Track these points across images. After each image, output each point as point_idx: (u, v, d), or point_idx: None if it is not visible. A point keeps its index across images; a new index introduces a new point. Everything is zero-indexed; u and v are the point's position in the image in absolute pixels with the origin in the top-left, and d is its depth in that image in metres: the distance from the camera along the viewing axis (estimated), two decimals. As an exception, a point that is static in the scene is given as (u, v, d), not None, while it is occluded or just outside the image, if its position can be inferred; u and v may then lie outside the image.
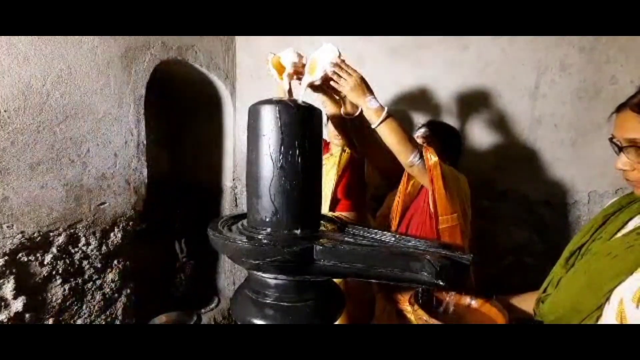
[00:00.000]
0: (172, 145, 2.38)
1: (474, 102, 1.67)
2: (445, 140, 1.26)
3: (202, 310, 2.10)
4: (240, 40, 2.10)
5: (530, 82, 1.58)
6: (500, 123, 1.65)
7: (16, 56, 1.19)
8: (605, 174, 1.52)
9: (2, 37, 1.15)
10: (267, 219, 0.76)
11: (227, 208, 2.26)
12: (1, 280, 1.23)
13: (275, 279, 0.78)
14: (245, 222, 0.85)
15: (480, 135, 1.68)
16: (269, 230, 0.76)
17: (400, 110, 1.79)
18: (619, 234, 0.65)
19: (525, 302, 0.83)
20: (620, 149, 0.62)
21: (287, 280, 0.77)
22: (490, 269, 1.56)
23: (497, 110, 1.65)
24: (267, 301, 0.78)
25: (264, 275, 0.78)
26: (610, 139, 0.65)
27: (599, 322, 0.62)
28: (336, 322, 0.99)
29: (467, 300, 0.85)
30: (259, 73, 2.05)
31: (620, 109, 0.64)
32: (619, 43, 1.45)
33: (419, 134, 1.28)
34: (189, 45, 1.82)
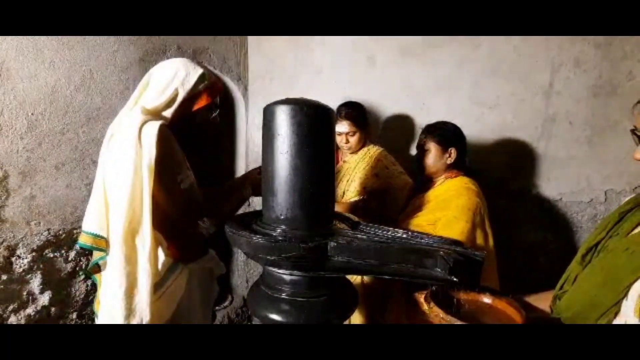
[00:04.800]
0: (186, 146, 2.43)
1: (487, 100, 1.66)
2: (446, 141, 1.27)
3: (217, 308, 2.15)
4: (252, 42, 2.14)
5: (544, 79, 1.56)
6: (513, 121, 1.64)
7: (42, 62, 1.25)
8: (622, 172, 1.50)
9: (30, 44, 1.21)
10: (282, 216, 0.78)
11: (240, 208, 2.30)
12: (29, 276, 1.29)
13: (290, 274, 0.80)
14: (260, 219, 0.87)
15: (493, 133, 1.67)
16: (283, 227, 0.78)
17: (412, 110, 1.80)
18: (636, 230, 0.65)
19: (542, 301, 0.83)
20: None
21: (302, 276, 0.79)
22: (504, 269, 1.54)
23: (510, 108, 1.63)
24: (282, 296, 0.80)
25: (279, 271, 0.80)
26: (632, 131, 0.65)
27: (617, 318, 0.62)
28: (354, 316, 0.99)
29: (483, 298, 0.85)
30: (271, 74, 2.08)
31: None
32: (636, 38, 1.42)
33: (420, 145, 1.31)
34: (203, 48, 1.87)
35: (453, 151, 1.24)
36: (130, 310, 0.91)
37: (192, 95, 1.01)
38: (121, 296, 0.90)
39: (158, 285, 0.96)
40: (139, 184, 0.90)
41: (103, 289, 0.97)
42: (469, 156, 1.38)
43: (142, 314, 0.92)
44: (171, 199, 0.96)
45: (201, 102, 1.03)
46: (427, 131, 1.30)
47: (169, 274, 0.99)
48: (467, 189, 1.19)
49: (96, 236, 0.96)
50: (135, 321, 0.92)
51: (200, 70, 1.02)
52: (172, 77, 0.99)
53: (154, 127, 0.90)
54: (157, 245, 0.96)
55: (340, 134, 1.55)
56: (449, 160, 1.25)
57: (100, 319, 0.97)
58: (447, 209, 1.16)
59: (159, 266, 0.96)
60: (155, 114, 0.98)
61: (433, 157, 1.26)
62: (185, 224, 0.99)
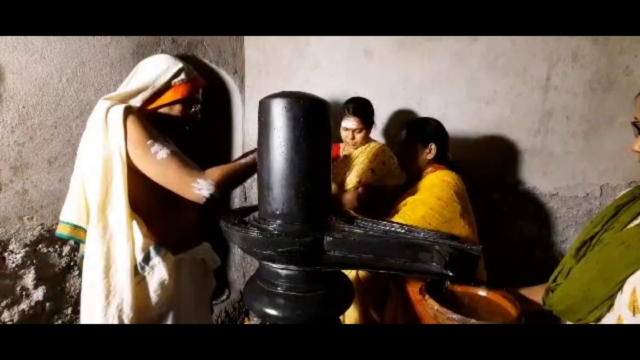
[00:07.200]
0: (181, 140, 2.41)
1: (484, 95, 1.66)
2: (425, 137, 1.27)
3: (214, 302, 2.15)
4: (249, 36, 2.11)
5: (542, 73, 1.56)
6: (511, 116, 1.64)
7: (33, 54, 1.22)
8: (618, 166, 1.50)
9: (20, 37, 1.18)
10: (278, 211, 0.78)
11: (237, 202, 2.29)
12: (22, 271, 1.28)
13: (286, 269, 0.79)
14: (256, 214, 0.86)
15: (490, 128, 1.67)
16: (279, 221, 0.78)
17: (409, 105, 1.79)
18: (632, 224, 0.65)
19: (536, 294, 0.83)
20: None
21: (298, 271, 0.79)
22: (500, 263, 1.56)
23: (507, 103, 1.63)
24: (278, 291, 0.80)
25: (274, 265, 0.80)
26: (633, 123, 0.65)
27: (610, 312, 0.63)
28: (349, 311, 0.98)
29: (478, 290, 0.85)
30: (268, 68, 2.06)
31: None
32: (635, 33, 1.42)
33: (401, 142, 1.32)
34: (199, 41, 1.84)
35: (433, 147, 1.25)
36: (109, 289, 0.92)
37: (165, 88, 1.02)
38: (100, 274, 0.91)
39: (139, 268, 0.95)
40: (109, 163, 0.92)
41: (84, 268, 0.97)
42: (465, 150, 1.38)
43: (122, 294, 0.92)
44: (151, 171, 0.95)
45: (175, 95, 1.03)
46: (407, 128, 1.31)
47: (151, 257, 0.97)
48: (442, 182, 1.20)
49: (75, 226, 0.97)
50: (115, 301, 0.92)
51: (179, 65, 1.03)
52: (152, 68, 1.01)
53: (119, 108, 0.94)
54: (132, 223, 0.95)
55: (347, 129, 1.53)
56: (429, 156, 1.26)
57: (83, 299, 0.97)
58: (419, 195, 1.18)
59: (138, 247, 0.95)
60: (122, 101, 1.00)
61: (414, 153, 1.27)
62: (181, 192, 0.96)
